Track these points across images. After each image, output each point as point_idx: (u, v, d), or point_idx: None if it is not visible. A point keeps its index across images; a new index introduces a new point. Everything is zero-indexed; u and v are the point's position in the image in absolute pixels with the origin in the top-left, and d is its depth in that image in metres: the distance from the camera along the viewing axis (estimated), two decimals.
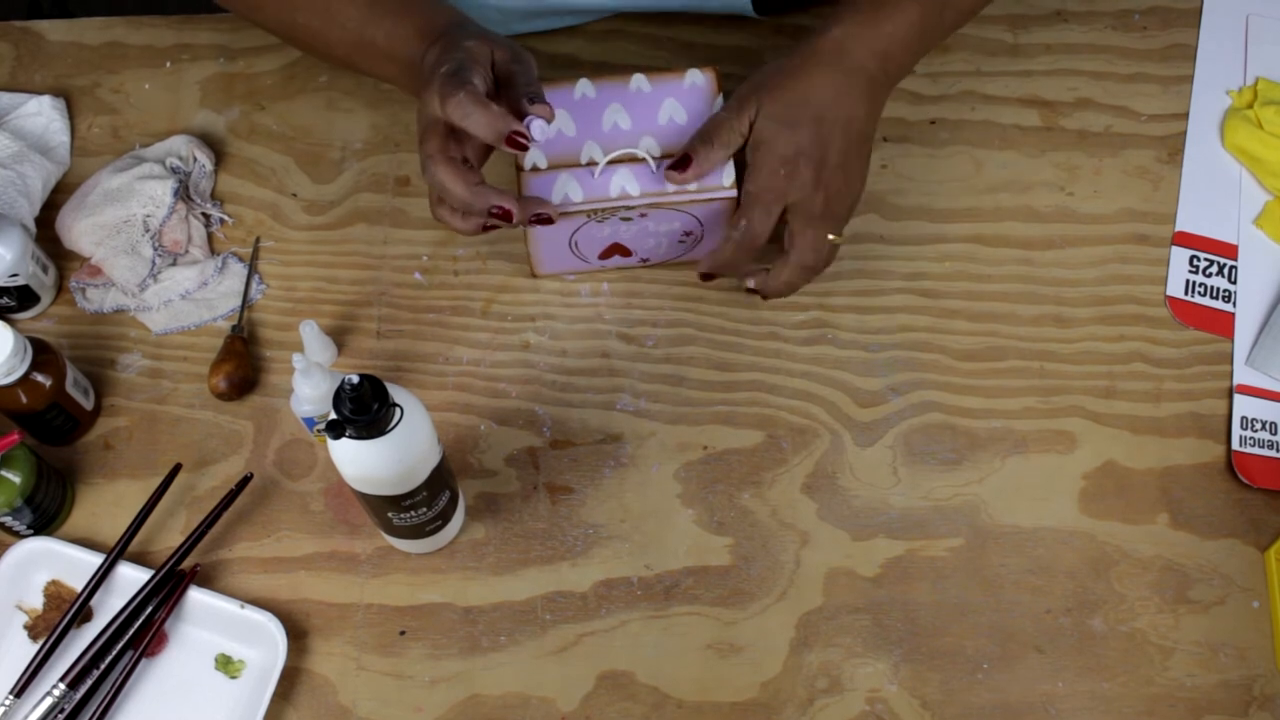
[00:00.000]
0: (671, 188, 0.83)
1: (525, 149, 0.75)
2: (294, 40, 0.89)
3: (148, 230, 0.91)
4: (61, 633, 0.81)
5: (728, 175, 0.84)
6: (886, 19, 0.82)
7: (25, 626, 0.83)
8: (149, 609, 0.82)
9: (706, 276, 0.87)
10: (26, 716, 0.79)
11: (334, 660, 0.83)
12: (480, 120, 0.74)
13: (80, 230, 0.91)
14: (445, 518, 0.82)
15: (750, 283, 0.87)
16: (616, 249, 0.90)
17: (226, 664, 0.83)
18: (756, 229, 0.82)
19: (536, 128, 0.75)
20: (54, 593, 0.84)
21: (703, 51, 1.00)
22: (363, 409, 0.67)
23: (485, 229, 0.80)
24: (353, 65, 0.87)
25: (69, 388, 0.85)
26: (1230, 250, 0.95)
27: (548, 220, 0.80)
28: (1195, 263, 0.94)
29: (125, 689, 0.81)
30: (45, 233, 0.93)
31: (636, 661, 0.83)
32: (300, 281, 0.94)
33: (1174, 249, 0.95)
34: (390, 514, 0.77)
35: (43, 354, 0.83)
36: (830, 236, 0.83)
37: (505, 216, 0.77)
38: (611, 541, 0.86)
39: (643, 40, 1.00)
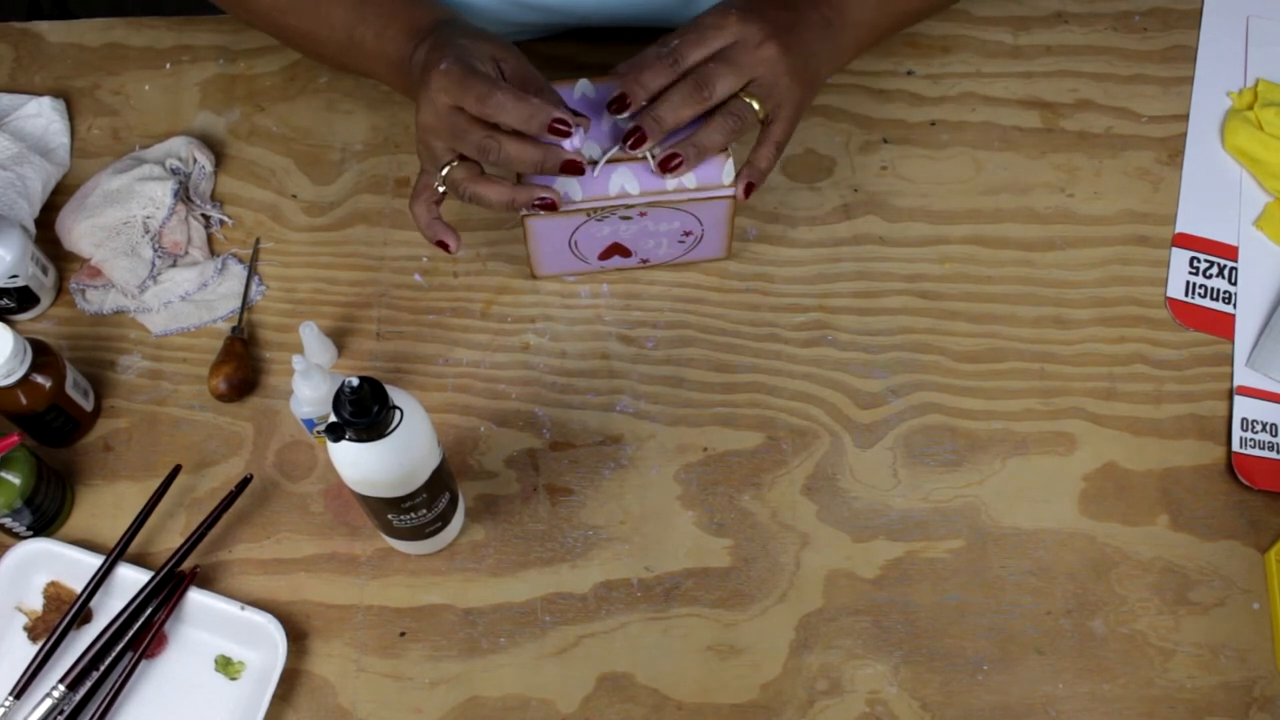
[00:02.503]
0: (671, 186, 0.83)
1: (569, 135, 0.76)
2: (286, 41, 0.89)
3: (147, 232, 0.91)
4: (61, 634, 0.81)
5: (727, 174, 0.84)
6: None
7: (25, 628, 0.83)
8: (149, 610, 0.82)
9: (617, 103, 0.80)
10: (26, 718, 0.79)
11: (334, 662, 0.83)
12: (522, 113, 0.75)
13: (80, 232, 0.91)
14: (445, 519, 0.82)
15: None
16: (616, 249, 0.90)
17: (226, 665, 0.83)
18: (684, 51, 0.79)
19: (578, 137, 0.78)
20: (53, 594, 0.84)
21: None
22: (362, 412, 0.67)
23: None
24: (345, 65, 0.87)
25: (69, 389, 0.85)
26: (1230, 252, 0.95)
27: (552, 206, 0.80)
28: (1195, 264, 0.94)
29: (125, 690, 0.81)
30: (45, 234, 0.93)
31: (636, 663, 0.83)
32: (300, 283, 0.94)
33: (1174, 250, 0.95)
34: (390, 516, 0.77)
35: (42, 355, 0.83)
36: (754, 104, 0.80)
37: (578, 170, 0.78)
38: (611, 543, 0.86)
39: (642, 41, 0.99)
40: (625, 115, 0.81)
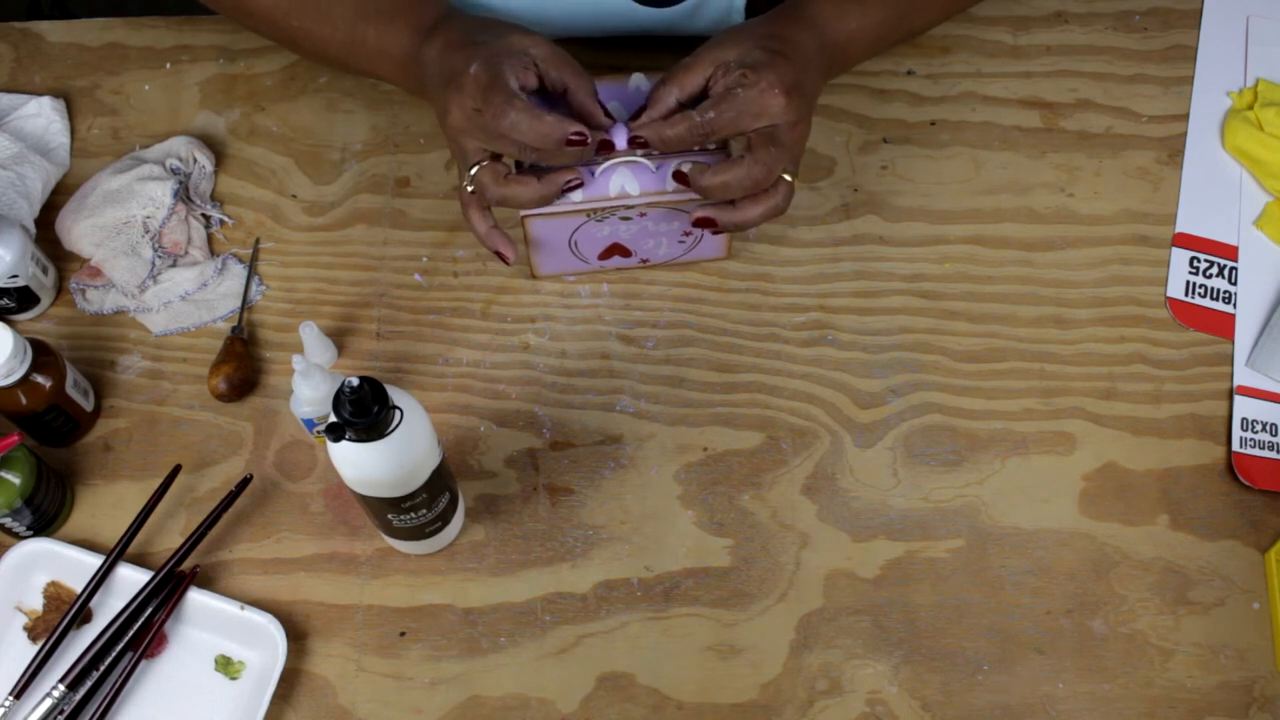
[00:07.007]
0: (671, 187, 0.83)
1: (585, 144, 0.77)
2: (289, 44, 0.89)
3: (147, 231, 0.91)
4: (61, 634, 0.81)
5: None
6: (854, 14, 0.83)
7: (25, 628, 0.83)
8: (149, 610, 0.82)
9: (681, 178, 0.82)
10: (26, 718, 0.79)
11: (334, 662, 0.83)
12: (538, 132, 0.76)
13: (80, 231, 0.91)
14: (445, 519, 0.82)
15: (685, 167, 0.81)
16: (616, 249, 0.90)
17: (226, 665, 0.83)
18: (718, 128, 0.78)
19: (619, 136, 0.80)
20: (53, 594, 0.84)
21: None
22: (362, 411, 0.67)
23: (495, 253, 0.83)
24: (347, 65, 0.87)
25: (69, 389, 0.85)
26: (1230, 252, 0.95)
27: (579, 185, 0.81)
28: (1195, 264, 0.94)
29: (125, 690, 0.81)
30: (45, 234, 0.93)
31: (636, 663, 0.83)
32: (300, 283, 0.94)
33: (1174, 250, 0.95)
34: (390, 516, 0.77)
35: (42, 355, 0.83)
36: (786, 177, 0.80)
37: (609, 148, 0.80)
38: (611, 543, 0.86)
39: (642, 41, 1.00)
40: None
